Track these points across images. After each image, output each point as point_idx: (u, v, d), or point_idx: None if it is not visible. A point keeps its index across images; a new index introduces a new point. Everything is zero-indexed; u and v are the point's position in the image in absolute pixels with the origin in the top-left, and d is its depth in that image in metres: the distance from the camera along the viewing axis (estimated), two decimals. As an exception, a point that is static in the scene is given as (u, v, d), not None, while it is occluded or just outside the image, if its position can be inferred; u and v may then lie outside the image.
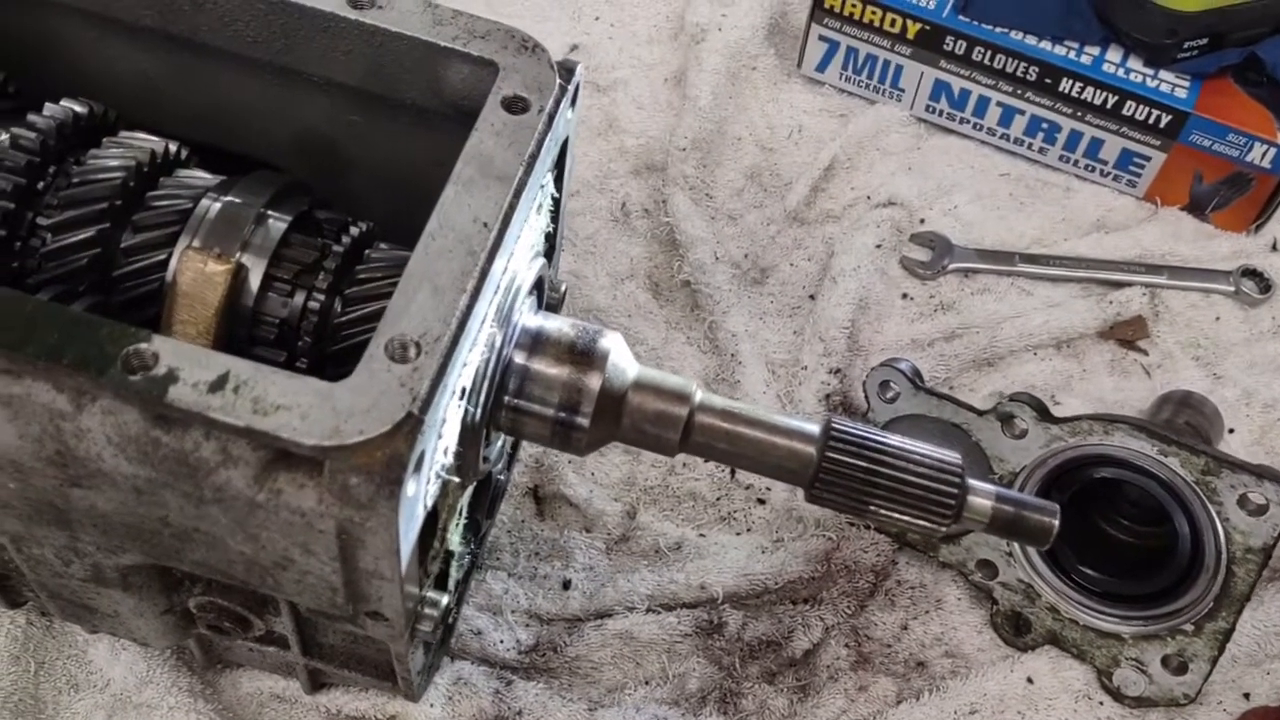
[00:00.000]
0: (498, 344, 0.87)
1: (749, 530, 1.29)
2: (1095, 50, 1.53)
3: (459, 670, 1.15)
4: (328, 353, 0.90)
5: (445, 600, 0.92)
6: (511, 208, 0.84)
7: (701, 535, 1.28)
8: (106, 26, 0.98)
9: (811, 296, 1.48)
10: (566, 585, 1.24)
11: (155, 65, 1.01)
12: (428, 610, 0.91)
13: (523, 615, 1.22)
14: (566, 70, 0.93)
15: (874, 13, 1.58)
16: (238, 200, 0.90)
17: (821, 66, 1.68)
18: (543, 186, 0.93)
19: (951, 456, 0.92)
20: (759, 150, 1.63)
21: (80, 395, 0.74)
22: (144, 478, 0.76)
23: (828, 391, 1.37)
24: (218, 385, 0.72)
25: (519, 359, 0.91)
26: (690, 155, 1.59)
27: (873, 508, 0.91)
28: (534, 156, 0.87)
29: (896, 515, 0.91)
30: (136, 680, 1.14)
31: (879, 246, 1.50)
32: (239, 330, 0.89)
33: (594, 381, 0.91)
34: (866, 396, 1.24)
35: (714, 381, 1.41)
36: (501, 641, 1.19)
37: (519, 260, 0.90)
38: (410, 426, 0.73)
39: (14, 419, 0.75)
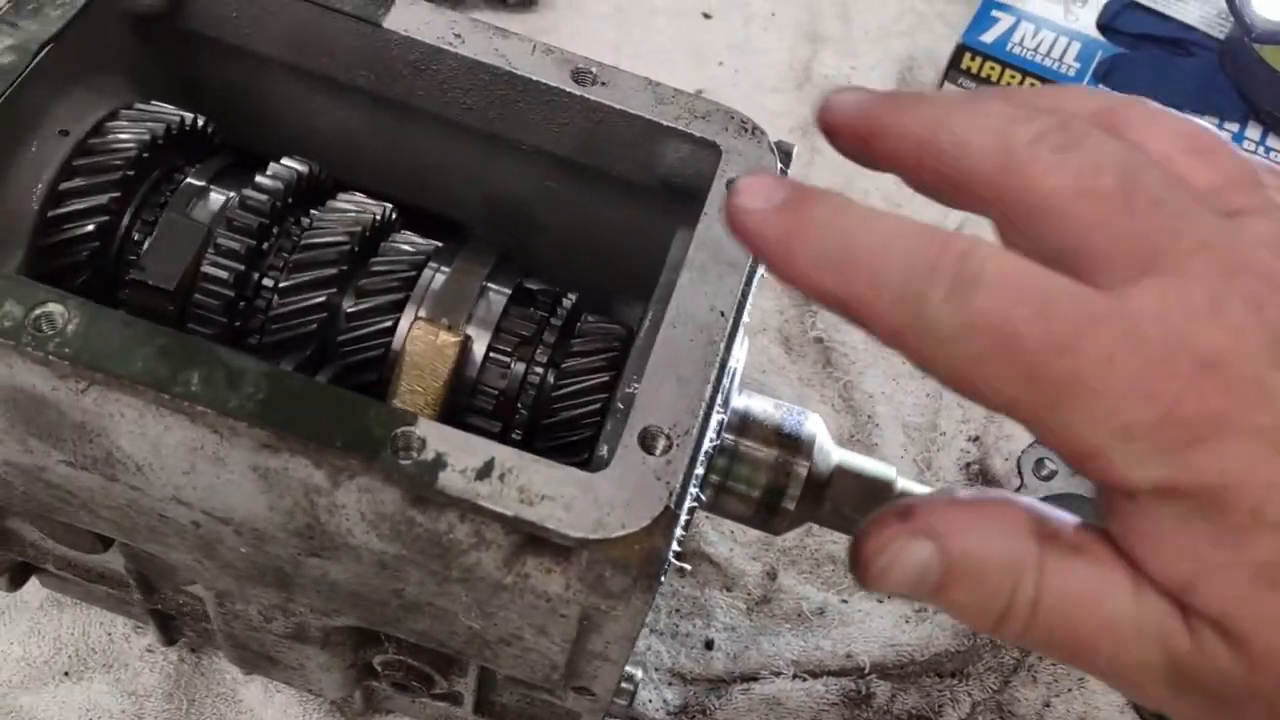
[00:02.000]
0: (719, 414, 0.88)
1: (890, 598, 1.30)
2: (1235, 126, 1.54)
3: (613, 730, 1.15)
4: (540, 425, 0.91)
5: (639, 674, 0.93)
6: (744, 295, 0.84)
7: (844, 601, 1.28)
8: (316, 83, 0.99)
9: (943, 359, 1.49)
10: (709, 645, 1.24)
11: (358, 122, 1.02)
12: (624, 684, 0.92)
13: (666, 674, 1.22)
14: (784, 153, 0.94)
15: (1012, 76, 1.59)
16: (461, 271, 0.91)
17: (949, 125, 1.68)
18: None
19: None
20: (887, 206, 1.63)
21: (338, 472, 0.74)
22: (391, 554, 0.77)
23: (968, 460, 1.37)
24: (484, 472, 0.72)
25: (729, 438, 0.92)
26: (821, 210, 1.59)
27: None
28: (762, 243, 0.88)
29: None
30: (292, 724, 1.15)
31: (1012, 312, 1.50)
32: (459, 399, 0.89)
33: (802, 466, 0.91)
34: (1020, 472, 1.25)
35: (849, 443, 1.41)
36: (650, 701, 1.19)
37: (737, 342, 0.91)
38: (667, 520, 0.73)
39: (268, 491, 0.76)
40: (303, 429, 0.72)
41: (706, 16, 1.87)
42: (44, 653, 1.17)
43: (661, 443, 0.76)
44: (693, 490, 0.83)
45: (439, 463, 0.72)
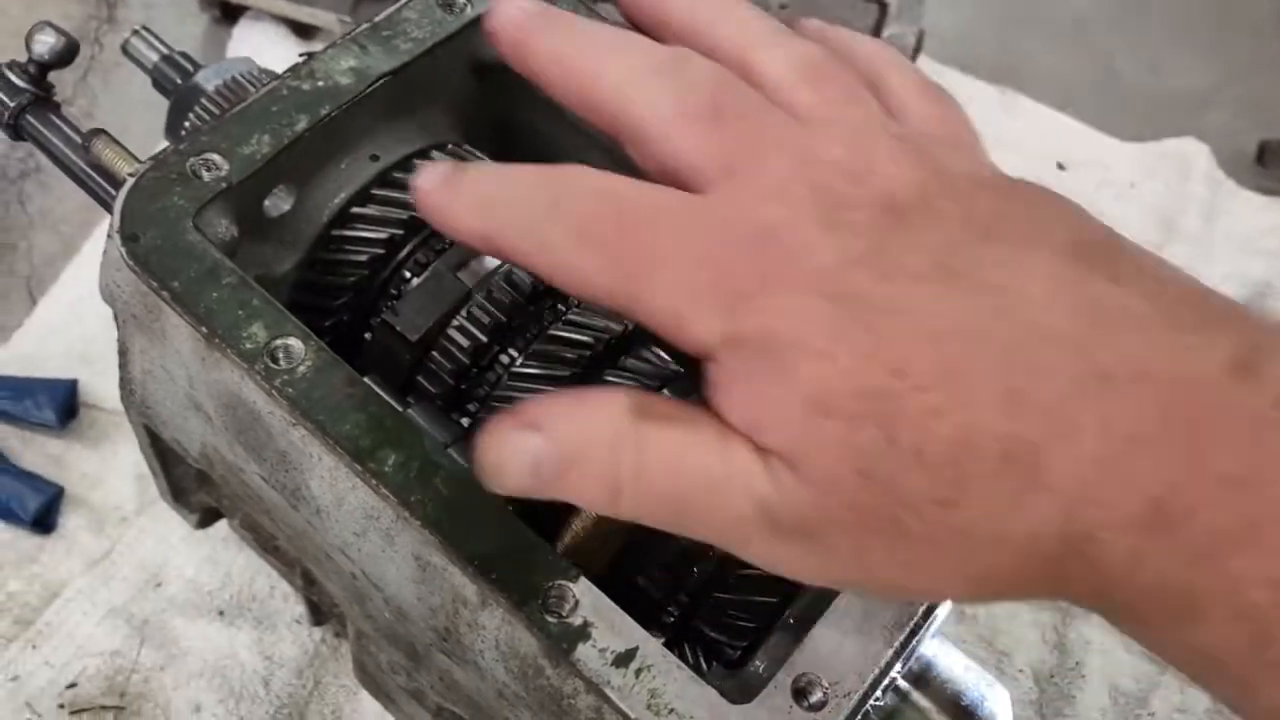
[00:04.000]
0: (892, 674, 0.81)
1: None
2: None
3: None
4: (710, 595, 0.86)
5: None
6: (966, 559, 0.76)
7: None
8: (625, 171, 0.97)
9: (1182, 629, 1.33)
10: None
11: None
12: None
13: None
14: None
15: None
16: (689, 412, 0.87)
17: None
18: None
19: None
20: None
21: (488, 596, 0.72)
22: (512, 690, 0.74)
23: (1168, 756, 1.22)
24: (624, 660, 0.68)
25: (902, 682, 0.84)
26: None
27: None
28: (1007, 505, 0.79)
29: None
30: (394, 746, 1.16)
31: None
32: (640, 538, 0.85)
33: (969, 748, 0.83)
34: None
35: (1044, 682, 1.28)
36: None
37: (943, 595, 0.83)
38: (789, 786, 0.67)
39: (420, 582, 0.75)
40: (469, 550, 0.70)
41: (1061, 167, 1.74)
42: (211, 583, 1.23)
43: (816, 696, 0.70)
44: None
45: (583, 632, 0.69)
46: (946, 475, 0.50)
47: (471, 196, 0.59)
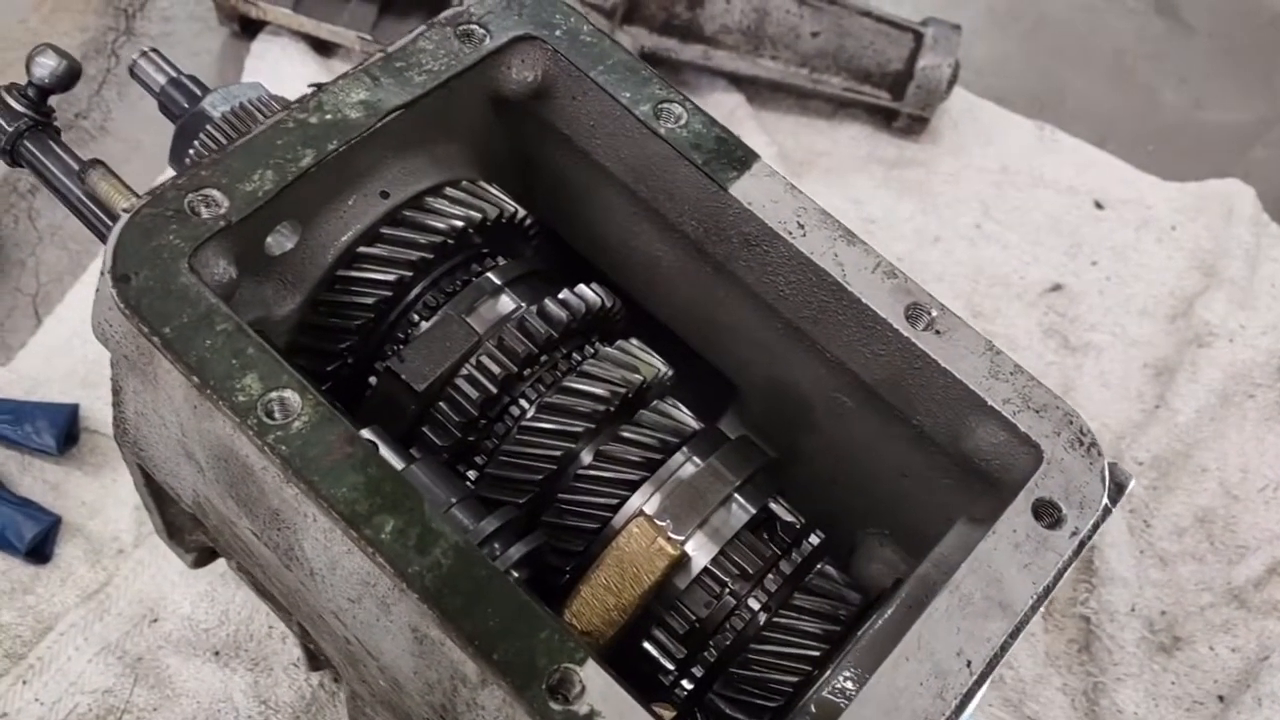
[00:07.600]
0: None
1: None
2: None
3: None
4: (725, 670, 0.81)
5: None
6: (1004, 649, 0.71)
7: None
8: (646, 211, 0.93)
9: (1220, 698, 1.26)
10: None
11: (671, 259, 0.95)
12: None
13: None
14: (1117, 485, 0.79)
15: None
16: (712, 472, 0.82)
17: (1332, 430, 1.43)
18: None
19: None
20: (1221, 493, 1.41)
21: (488, 675, 0.67)
22: (511, 776, 0.69)
23: (1205, 837, 1.16)
24: (630, 754, 0.63)
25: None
26: (1145, 472, 1.39)
27: None
28: (1048, 590, 0.74)
29: None
30: (391, 801, 1.11)
31: (1326, 681, 1.26)
32: (653, 609, 0.81)
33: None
34: None
35: (1074, 750, 1.22)
36: None
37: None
38: None
39: (419, 656, 0.70)
40: (469, 627, 0.66)
41: (1099, 206, 1.68)
42: (208, 620, 1.19)
43: (838, 797, 0.64)
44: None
45: (589, 723, 0.64)
46: None
47: None
